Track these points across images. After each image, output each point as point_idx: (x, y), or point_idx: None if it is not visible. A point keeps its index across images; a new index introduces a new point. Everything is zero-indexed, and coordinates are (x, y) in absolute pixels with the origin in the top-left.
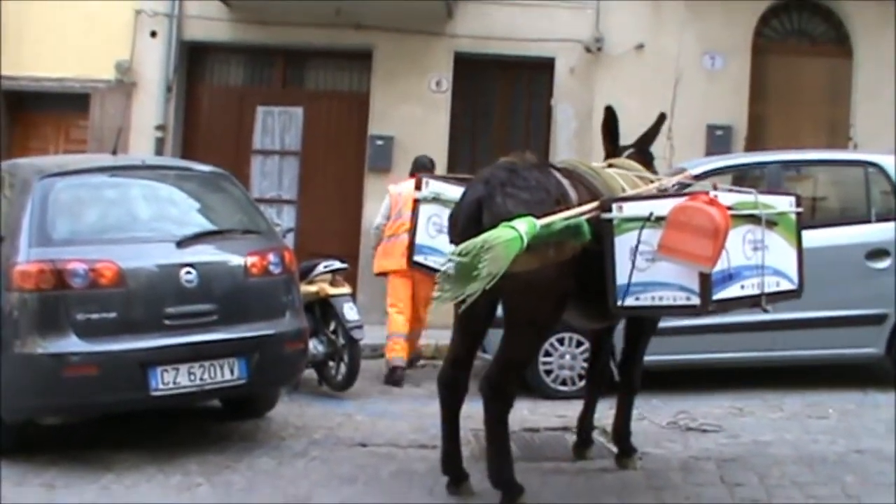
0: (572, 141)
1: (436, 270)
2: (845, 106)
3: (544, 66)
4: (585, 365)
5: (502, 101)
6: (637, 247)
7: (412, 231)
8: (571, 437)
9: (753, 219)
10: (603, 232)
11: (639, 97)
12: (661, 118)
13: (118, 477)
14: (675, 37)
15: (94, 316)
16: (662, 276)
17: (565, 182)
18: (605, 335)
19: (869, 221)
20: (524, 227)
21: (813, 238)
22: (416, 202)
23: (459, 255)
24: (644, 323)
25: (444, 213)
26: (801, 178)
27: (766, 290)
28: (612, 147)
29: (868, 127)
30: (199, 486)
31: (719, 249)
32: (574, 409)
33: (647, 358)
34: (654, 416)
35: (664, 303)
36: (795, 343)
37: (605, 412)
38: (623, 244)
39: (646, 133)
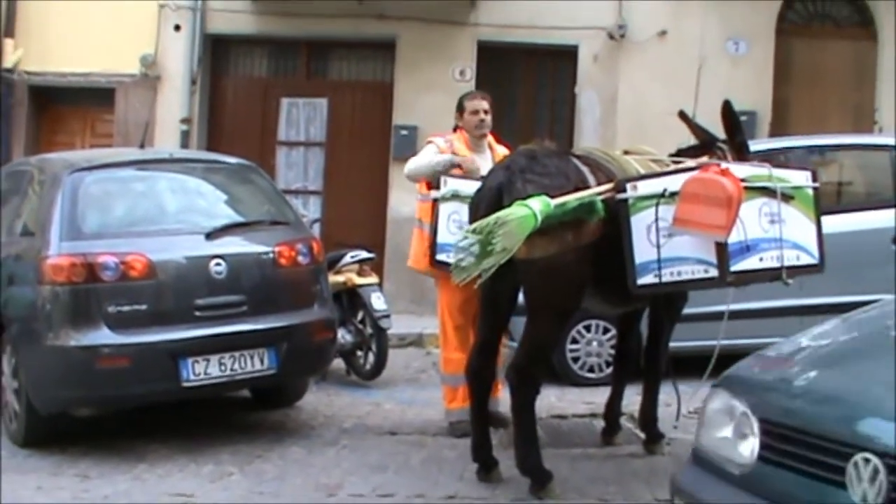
0: (597, 128)
1: None
2: (870, 89)
3: (568, 54)
4: (612, 352)
5: (526, 89)
6: (654, 224)
7: (433, 230)
8: (599, 424)
9: (769, 192)
10: (619, 213)
11: (662, 83)
12: (726, 105)
13: (151, 467)
14: (698, 22)
15: (126, 308)
16: (679, 250)
17: (584, 168)
18: (631, 321)
19: (894, 205)
20: (538, 205)
21: (839, 223)
22: (435, 201)
23: (473, 232)
24: (667, 308)
25: (463, 210)
26: (826, 163)
27: (786, 263)
28: (710, 139)
29: (893, 110)
30: (231, 475)
31: (733, 218)
32: (601, 395)
33: (676, 344)
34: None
35: (683, 277)
36: None
37: (633, 398)
38: (639, 223)
39: (726, 127)
